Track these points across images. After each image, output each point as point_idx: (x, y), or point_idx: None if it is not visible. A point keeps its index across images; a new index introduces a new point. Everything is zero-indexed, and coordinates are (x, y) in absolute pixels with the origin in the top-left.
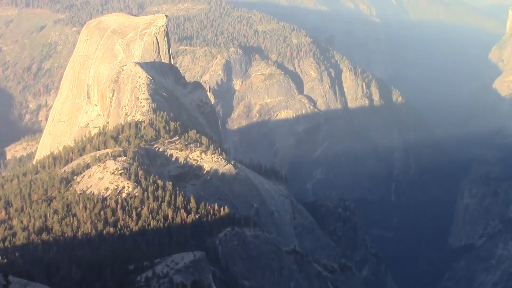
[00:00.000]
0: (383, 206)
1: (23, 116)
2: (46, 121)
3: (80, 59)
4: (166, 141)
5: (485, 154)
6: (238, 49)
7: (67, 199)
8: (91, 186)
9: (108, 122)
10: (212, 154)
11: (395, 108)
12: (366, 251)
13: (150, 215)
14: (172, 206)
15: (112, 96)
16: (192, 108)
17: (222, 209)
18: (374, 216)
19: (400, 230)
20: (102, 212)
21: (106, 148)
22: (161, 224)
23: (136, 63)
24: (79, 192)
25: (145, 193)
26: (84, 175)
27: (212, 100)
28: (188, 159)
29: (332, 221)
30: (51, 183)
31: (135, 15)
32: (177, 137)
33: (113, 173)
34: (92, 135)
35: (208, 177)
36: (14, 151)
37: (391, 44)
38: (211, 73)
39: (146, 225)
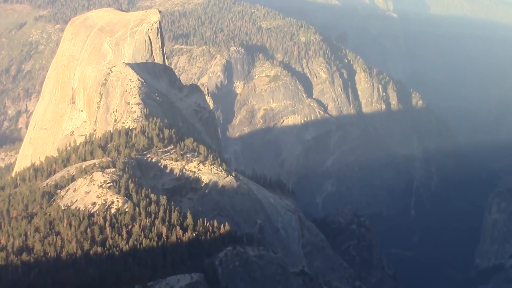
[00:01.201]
0: (401, 222)
1: (1, 123)
2: (27, 128)
3: (64, 60)
4: (160, 150)
5: None
6: (239, 48)
7: (49, 215)
8: (76, 201)
9: (95, 130)
10: (211, 165)
11: (414, 113)
12: (382, 272)
13: (142, 233)
14: (166, 223)
15: (100, 100)
16: (188, 113)
17: (222, 226)
18: (392, 234)
19: (421, 249)
20: (88, 229)
21: (93, 159)
22: (155, 243)
23: (126, 64)
24: (63, 208)
25: (137, 209)
26: (69, 188)
27: (211, 105)
28: (184, 171)
29: (345, 239)
30: (32, 198)
31: (125, 11)
32: (172, 146)
33: (100, 186)
34: (78, 144)
35: (206, 191)
36: None
37: (410, 42)
38: (210, 74)
39: (138, 244)
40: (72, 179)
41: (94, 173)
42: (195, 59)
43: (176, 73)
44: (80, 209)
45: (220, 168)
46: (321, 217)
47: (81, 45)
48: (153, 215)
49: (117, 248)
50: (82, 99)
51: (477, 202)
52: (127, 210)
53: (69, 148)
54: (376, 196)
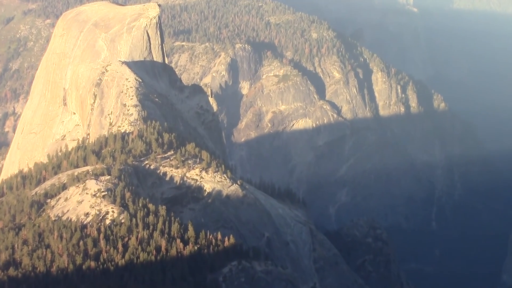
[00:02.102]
0: (422, 235)
1: None
2: (14, 132)
3: (55, 58)
4: (159, 156)
5: None
6: (246, 45)
7: (39, 226)
8: (68, 211)
9: (88, 134)
10: (214, 173)
11: (436, 116)
12: None
13: (140, 246)
14: (166, 235)
15: (94, 102)
16: (190, 116)
17: (226, 238)
18: (411, 247)
19: (443, 264)
20: (81, 242)
21: (86, 165)
22: (153, 257)
23: (123, 63)
24: (53, 219)
25: (134, 220)
26: (60, 197)
27: (215, 107)
28: (185, 179)
29: (361, 254)
30: (19, 208)
31: (121, 5)
32: (172, 152)
33: (94, 195)
34: (70, 149)
35: (209, 200)
36: None
37: (431, 39)
38: (214, 74)
39: (135, 258)
40: (63, 187)
41: (87, 181)
42: (197, 57)
43: (177, 73)
44: (72, 220)
45: (225, 176)
46: (334, 229)
47: (73, 42)
48: (151, 227)
49: (112, 263)
50: (74, 100)
51: (504, 214)
52: (123, 221)
53: (60, 153)
54: (394, 207)
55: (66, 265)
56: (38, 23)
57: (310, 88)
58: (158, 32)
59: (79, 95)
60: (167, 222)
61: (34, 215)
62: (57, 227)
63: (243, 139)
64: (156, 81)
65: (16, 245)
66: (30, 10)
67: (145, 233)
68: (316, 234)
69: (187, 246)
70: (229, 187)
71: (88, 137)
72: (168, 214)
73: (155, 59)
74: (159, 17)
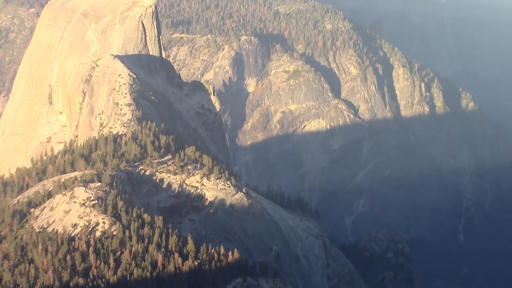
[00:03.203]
0: (448, 250)
1: None
2: None
3: (39, 51)
4: (155, 161)
5: None
6: (252, 37)
7: (21, 239)
8: (53, 222)
9: (77, 136)
10: (216, 179)
11: (464, 117)
12: None
13: (133, 261)
14: (162, 249)
15: (83, 100)
16: (190, 117)
17: (230, 253)
18: (437, 263)
19: (472, 281)
20: (68, 257)
21: (74, 171)
22: (148, 274)
23: (115, 57)
24: (37, 230)
25: (127, 232)
26: (45, 207)
27: (217, 106)
28: (184, 186)
29: (380, 270)
30: (0, 218)
31: None
32: (169, 156)
33: (83, 204)
34: (56, 153)
35: (211, 210)
36: None
37: (459, 31)
38: (216, 69)
39: (128, 275)
40: (49, 195)
41: (75, 188)
42: (198, 50)
43: (175, 68)
44: (58, 232)
45: (228, 183)
46: (350, 243)
47: (60, 33)
48: (146, 240)
49: (103, 280)
50: (61, 98)
51: None
52: (115, 233)
53: (45, 157)
54: (418, 218)
55: (51, 282)
56: (21, 13)
57: (324, 85)
58: (155, 23)
59: (66, 93)
60: (164, 234)
61: (16, 226)
62: (42, 239)
63: (248, 142)
64: (152, 77)
65: None
66: None
67: (139, 247)
68: (330, 248)
69: (186, 262)
70: (233, 196)
71: (76, 139)
72: (165, 225)
73: (151, 53)
74: (155, 5)
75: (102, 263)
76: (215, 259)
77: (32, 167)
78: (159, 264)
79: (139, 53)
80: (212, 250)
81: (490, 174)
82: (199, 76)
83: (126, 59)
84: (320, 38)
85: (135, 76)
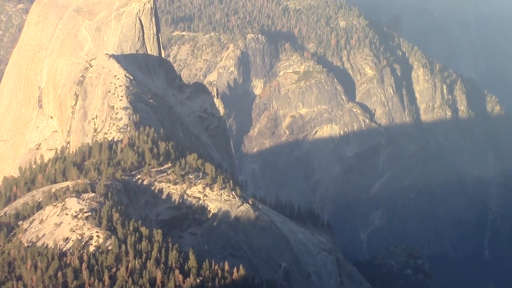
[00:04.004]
0: (472, 266)
1: None
2: None
3: (28, 50)
4: (154, 170)
5: None
6: (259, 35)
7: (8, 254)
8: (43, 235)
9: (68, 142)
10: (220, 190)
11: (490, 122)
12: None
13: (130, 279)
14: (162, 266)
15: (75, 104)
16: (192, 121)
17: (235, 269)
18: (460, 281)
19: None
20: (59, 273)
21: (66, 180)
22: None
23: (110, 56)
24: (26, 245)
25: (123, 246)
26: (34, 219)
27: (221, 111)
28: (185, 197)
29: None
30: None
31: None
32: (169, 164)
33: (75, 216)
34: (46, 160)
35: (214, 223)
36: None
37: (484, 28)
38: (220, 70)
39: None
40: (38, 206)
41: (67, 199)
42: (200, 49)
43: (176, 69)
44: (49, 247)
45: (233, 193)
46: (366, 258)
47: (50, 31)
48: (144, 255)
49: None
50: (51, 101)
51: None
52: (110, 248)
53: (34, 166)
54: (439, 232)
55: None
56: (8, 8)
57: (337, 87)
58: (153, 20)
59: (57, 95)
60: (163, 249)
61: (3, 240)
62: (31, 255)
63: (255, 149)
64: (150, 78)
65: None
66: None
67: (136, 263)
68: (344, 264)
69: (188, 279)
70: (239, 207)
71: (68, 146)
72: (164, 239)
73: (149, 52)
74: (154, 1)
75: (96, 280)
76: (219, 276)
77: (20, 176)
78: (158, 281)
79: (137, 53)
80: (216, 267)
81: None
82: (201, 78)
83: (123, 59)
84: (333, 36)
85: (132, 78)
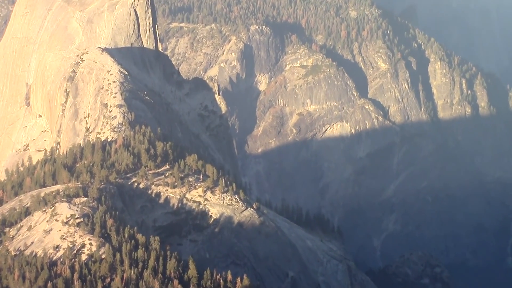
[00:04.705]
0: (494, 275)
1: None
2: None
3: (15, 44)
4: (151, 172)
5: None
6: (263, 26)
7: None
8: (32, 243)
9: (59, 143)
10: (222, 193)
11: None
12: None
13: None
14: (159, 275)
15: (66, 101)
16: (191, 120)
17: (238, 279)
18: None
19: None
20: (49, 284)
21: (56, 184)
22: None
23: (103, 50)
24: (13, 253)
25: (117, 255)
26: (22, 226)
27: (223, 108)
28: (184, 201)
29: None
30: None
31: None
32: (167, 166)
33: (66, 222)
34: (34, 163)
35: (216, 229)
36: None
37: (506, 19)
38: (222, 64)
39: None
40: (27, 212)
41: (57, 204)
42: (200, 42)
43: (174, 63)
44: (38, 255)
45: (236, 197)
46: (379, 267)
47: (39, 23)
48: (140, 264)
49: None
50: (40, 99)
51: None
52: (103, 256)
53: (22, 168)
54: (459, 238)
55: None
56: None
57: (348, 82)
58: (149, 10)
59: (46, 92)
60: (161, 257)
61: None
62: (18, 264)
63: (260, 150)
64: (146, 74)
65: None
66: None
67: (132, 272)
68: (355, 273)
69: None
70: (242, 212)
71: (58, 146)
72: (162, 247)
73: (145, 46)
74: None
75: None
76: (222, 286)
77: (7, 180)
78: None
79: (132, 46)
80: (218, 276)
81: None
82: (201, 73)
83: (116, 53)
84: (343, 27)
85: (126, 73)
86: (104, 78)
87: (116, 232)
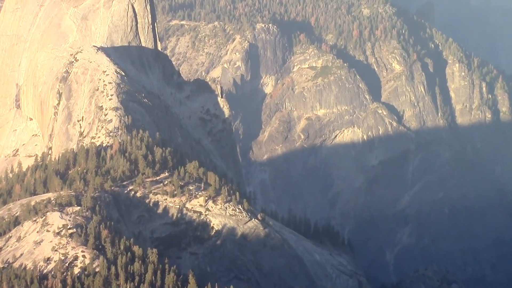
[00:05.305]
0: None
1: None
2: None
3: (5, 42)
4: (148, 180)
5: None
6: (270, 25)
7: None
8: (21, 255)
9: (50, 148)
10: (225, 203)
11: None
12: None
13: None
14: None
15: (58, 103)
16: (192, 124)
17: None
18: None
19: None
20: None
21: (47, 192)
22: None
23: (99, 49)
24: (1, 266)
25: (112, 268)
26: (10, 236)
27: (227, 112)
28: (184, 211)
29: None
30: None
31: None
32: (166, 174)
33: (58, 233)
34: (24, 169)
35: (218, 242)
36: None
37: None
38: (225, 65)
39: None
40: (16, 222)
41: (48, 213)
42: (202, 41)
43: (174, 63)
44: (27, 268)
45: (240, 207)
46: (392, 282)
47: (30, 20)
48: (137, 278)
49: None
50: (31, 101)
51: None
52: (97, 270)
53: (11, 175)
54: (477, 252)
55: None
56: None
57: (360, 85)
58: (148, 7)
59: (37, 94)
60: (159, 271)
61: None
62: (7, 277)
63: (265, 156)
64: (145, 74)
65: None
66: None
67: (128, 287)
68: None
69: None
70: (246, 224)
71: (49, 152)
72: (160, 260)
73: (143, 45)
74: None
75: None
76: None
77: None
78: None
79: (129, 45)
80: None
81: None
82: (203, 74)
83: (113, 52)
84: (356, 26)
85: (123, 74)
86: (100, 79)
87: (111, 244)
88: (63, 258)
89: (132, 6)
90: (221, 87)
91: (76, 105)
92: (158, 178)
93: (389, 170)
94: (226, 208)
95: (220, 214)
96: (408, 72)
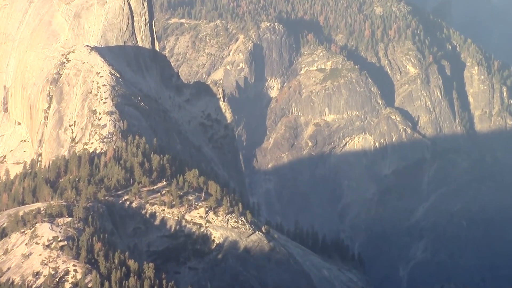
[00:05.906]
0: None
1: None
2: None
3: None
4: (145, 189)
5: None
6: (276, 24)
7: None
8: (8, 269)
9: (40, 154)
10: (227, 214)
11: None
12: None
13: None
14: None
15: (49, 107)
16: (192, 129)
17: None
18: None
19: None
20: None
21: (37, 201)
22: None
23: (92, 49)
24: None
25: (106, 283)
26: None
27: (229, 117)
28: (183, 223)
29: None
30: None
31: None
32: (164, 183)
33: (48, 246)
34: (12, 177)
35: (219, 256)
36: None
37: None
38: (228, 67)
39: None
40: (3, 233)
41: (37, 224)
42: (203, 41)
43: (173, 64)
44: (15, 283)
45: (242, 219)
46: None
47: (19, 17)
48: None
49: None
50: (20, 104)
51: None
52: (90, 285)
53: None
54: (496, 268)
55: None
56: None
57: (372, 89)
58: (145, 4)
59: (26, 97)
60: (155, 287)
61: None
62: None
63: (270, 165)
64: (141, 76)
65: None
66: None
67: None
68: None
69: None
70: (249, 237)
71: (39, 159)
72: (157, 275)
73: (140, 44)
74: None
75: None
76: None
77: None
78: None
79: (125, 45)
80: None
81: None
82: (204, 76)
83: (107, 52)
84: (367, 25)
85: (118, 75)
86: (93, 81)
87: (104, 258)
88: (53, 272)
89: (128, 3)
90: (223, 90)
91: (67, 109)
92: (155, 187)
93: (402, 180)
94: (228, 220)
95: (221, 227)
96: (423, 75)
